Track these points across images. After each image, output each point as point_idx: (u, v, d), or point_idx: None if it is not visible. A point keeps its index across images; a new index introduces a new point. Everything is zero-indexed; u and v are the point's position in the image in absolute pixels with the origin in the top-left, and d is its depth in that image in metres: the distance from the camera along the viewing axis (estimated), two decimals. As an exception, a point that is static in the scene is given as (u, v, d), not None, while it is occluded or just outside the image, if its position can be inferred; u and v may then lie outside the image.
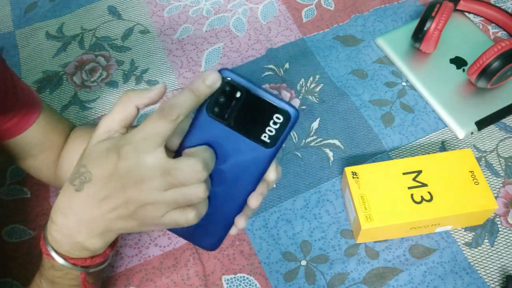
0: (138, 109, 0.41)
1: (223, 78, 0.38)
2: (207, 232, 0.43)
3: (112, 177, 0.39)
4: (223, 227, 0.43)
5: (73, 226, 0.42)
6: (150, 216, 0.40)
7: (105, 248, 0.45)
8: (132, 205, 0.39)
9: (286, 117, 0.38)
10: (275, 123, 0.39)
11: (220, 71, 0.38)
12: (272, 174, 0.42)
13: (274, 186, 0.44)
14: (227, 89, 0.38)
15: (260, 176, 0.41)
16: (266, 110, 0.39)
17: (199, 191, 0.39)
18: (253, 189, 0.42)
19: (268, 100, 0.38)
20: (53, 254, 0.45)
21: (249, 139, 0.40)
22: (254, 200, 0.42)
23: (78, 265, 0.45)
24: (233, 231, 0.44)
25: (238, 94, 0.38)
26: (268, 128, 0.39)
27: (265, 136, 0.39)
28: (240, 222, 0.43)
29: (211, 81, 0.38)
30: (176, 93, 0.66)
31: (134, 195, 0.39)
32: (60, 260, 0.45)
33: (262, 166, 0.40)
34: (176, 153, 0.41)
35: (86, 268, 0.46)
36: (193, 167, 0.38)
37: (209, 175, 0.40)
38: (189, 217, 0.40)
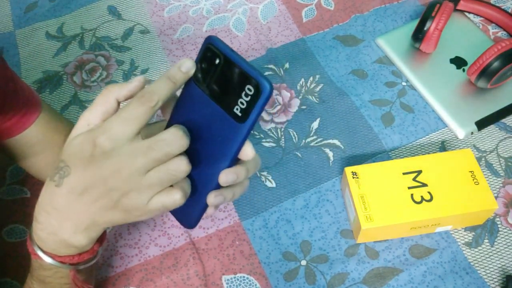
0: (118, 102, 0.41)
1: (207, 44, 0.39)
2: (185, 210, 0.43)
3: (89, 168, 0.39)
4: (199, 206, 0.42)
5: (57, 223, 0.42)
6: (135, 204, 0.39)
7: (91, 244, 0.45)
8: (115, 194, 0.39)
9: (257, 90, 0.37)
10: (246, 95, 0.37)
11: (207, 37, 0.39)
12: (248, 152, 0.40)
13: (256, 170, 0.43)
14: (209, 54, 0.39)
15: (232, 153, 0.40)
16: (240, 80, 0.37)
17: (182, 164, 0.38)
18: (227, 167, 0.40)
19: (242, 69, 0.37)
20: (40, 254, 0.44)
21: (224, 111, 0.39)
22: (223, 176, 0.40)
23: (66, 262, 0.45)
24: (209, 210, 0.43)
25: (217, 61, 0.38)
26: (240, 100, 0.38)
27: (237, 109, 0.38)
28: (209, 198, 0.41)
29: (186, 68, 0.39)
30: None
31: (115, 183, 0.38)
32: (47, 259, 0.44)
33: (233, 142, 0.39)
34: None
35: (75, 265, 0.46)
36: (175, 134, 0.38)
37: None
38: (176, 198, 0.39)
